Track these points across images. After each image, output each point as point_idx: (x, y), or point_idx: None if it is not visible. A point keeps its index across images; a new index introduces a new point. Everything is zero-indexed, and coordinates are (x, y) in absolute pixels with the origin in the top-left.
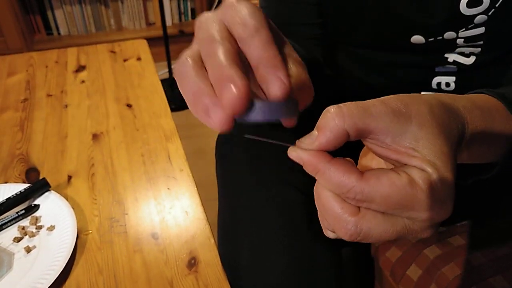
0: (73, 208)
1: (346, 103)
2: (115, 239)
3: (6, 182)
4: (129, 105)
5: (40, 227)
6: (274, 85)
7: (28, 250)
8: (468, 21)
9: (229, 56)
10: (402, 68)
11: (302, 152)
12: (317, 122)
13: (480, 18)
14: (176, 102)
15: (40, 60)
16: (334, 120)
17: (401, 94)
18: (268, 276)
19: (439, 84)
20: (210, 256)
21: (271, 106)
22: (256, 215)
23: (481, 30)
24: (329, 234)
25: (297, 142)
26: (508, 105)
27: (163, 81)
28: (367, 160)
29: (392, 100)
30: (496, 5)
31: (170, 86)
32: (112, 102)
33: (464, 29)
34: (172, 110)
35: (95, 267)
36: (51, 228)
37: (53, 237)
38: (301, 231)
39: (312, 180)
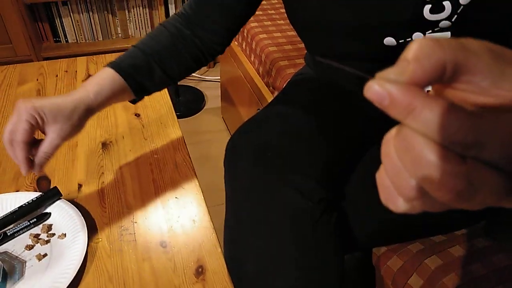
0: (83, 217)
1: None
2: (125, 247)
3: (17, 191)
4: (137, 115)
5: (51, 235)
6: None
7: (40, 258)
8: (433, 25)
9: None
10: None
11: (391, 86)
12: (405, 53)
13: (444, 23)
14: (181, 109)
15: (50, 69)
16: (433, 49)
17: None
18: (274, 283)
19: None
20: (217, 265)
21: None
22: (261, 221)
23: (447, 34)
24: (399, 205)
25: (378, 74)
26: None
27: (168, 89)
28: None
29: (485, 42)
30: (458, 11)
31: (175, 93)
32: (121, 111)
33: (430, 31)
34: (177, 117)
35: (105, 274)
36: (62, 236)
37: (64, 245)
38: (306, 237)
39: (315, 184)
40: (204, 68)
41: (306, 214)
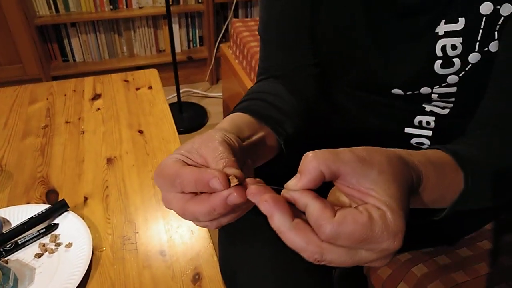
0: (89, 227)
1: (321, 150)
2: (127, 256)
3: (28, 203)
4: (140, 131)
5: (59, 244)
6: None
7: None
8: (441, 80)
9: None
10: (387, 108)
11: (293, 193)
12: (299, 166)
13: (452, 78)
14: (184, 125)
15: (59, 89)
16: (311, 163)
17: (367, 147)
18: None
19: (420, 122)
20: (213, 272)
21: None
22: (252, 238)
23: (453, 89)
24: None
25: (285, 185)
26: (459, 161)
27: (171, 105)
28: (334, 198)
29: (359, 149)
30: (466, 69)
31: (178, 109)
32: (125, 128)
33: (438, 86)
34: (180, 132)
35: (108, 281)
36: (69, 245)
37: (71, 254)
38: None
39: None
40: (207, 85)
41: None
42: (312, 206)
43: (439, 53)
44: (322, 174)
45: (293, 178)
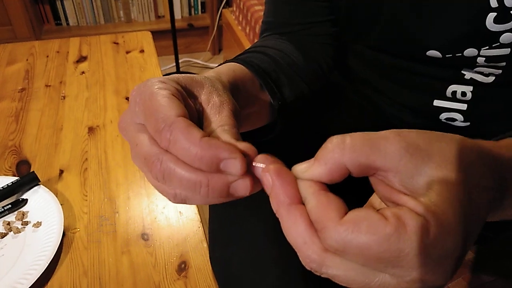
0: (62, 204)
1: (353, 133)
2: (103, 239)
3: None
4: (128, 98)
5: (26, 223)
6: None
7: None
8: (493, 39)
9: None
10: (414, 75)
11: (297, 180)
12: (319, 150)
13: (507, 37)
14: None
15: (41, 49)
16: (332, 153)
17: (424, 130)
18: (259, 282)
19: (454, 93)
20: (201, 261)
21: None
22: (245, 225)
23: (506, 51)
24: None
25: (292, 168)
26: None
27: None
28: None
29: (412, 133)
30: None
31: None
32: (111, 94)
33: (487, 47)
34: None
35: (80, 268)
36: (38, 224)
37: (39, 234)
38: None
39: None
40: (208, 55)
41: None
42: (312, 201)
43: (493, 3)
44: (344, 168)
45: (304, 162)
